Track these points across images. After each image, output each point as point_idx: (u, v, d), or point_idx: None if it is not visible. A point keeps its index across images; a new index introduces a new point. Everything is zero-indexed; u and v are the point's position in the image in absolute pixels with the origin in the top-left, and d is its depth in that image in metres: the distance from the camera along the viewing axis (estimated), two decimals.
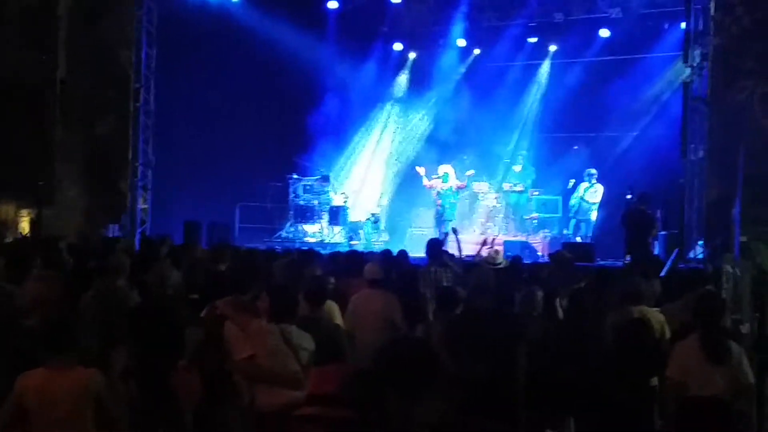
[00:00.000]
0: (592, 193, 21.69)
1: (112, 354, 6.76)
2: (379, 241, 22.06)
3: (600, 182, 21.79)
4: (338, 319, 9.07)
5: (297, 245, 18.98)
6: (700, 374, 7.32)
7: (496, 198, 23.16)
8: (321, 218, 22.84)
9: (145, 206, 20.76)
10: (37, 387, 5.91)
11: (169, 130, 20.94)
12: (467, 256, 14.04)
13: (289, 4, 22.64)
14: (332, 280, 9.87)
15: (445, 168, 21.84)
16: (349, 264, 11.50)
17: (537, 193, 22.90)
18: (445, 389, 3.86)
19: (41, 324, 6.57)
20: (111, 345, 6.97)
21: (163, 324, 6.65)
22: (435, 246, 12.61)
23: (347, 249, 17.23)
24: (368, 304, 9.43)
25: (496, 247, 14.45)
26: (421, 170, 22.02)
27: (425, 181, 21.85)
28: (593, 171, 21.84)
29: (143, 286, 8.77)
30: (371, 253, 14.67)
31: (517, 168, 23.23)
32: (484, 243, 14.52)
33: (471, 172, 21.91)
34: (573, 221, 22.10)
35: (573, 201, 22.01)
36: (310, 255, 12.43)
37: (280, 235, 22.22)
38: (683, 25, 18.96)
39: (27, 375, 5.97)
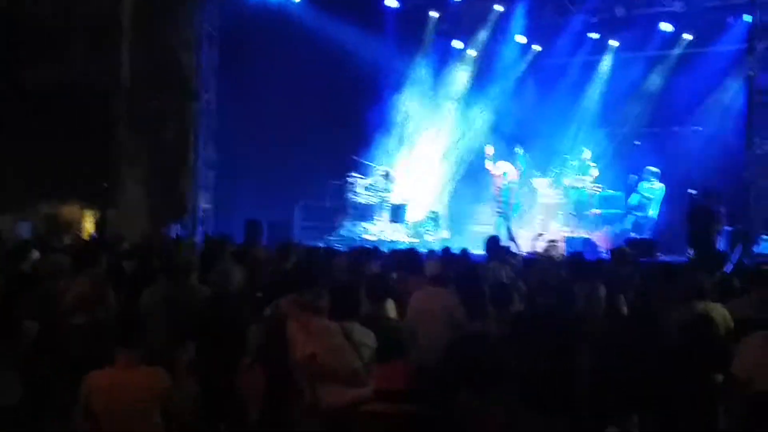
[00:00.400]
0: (651, 191, 21.51)
1: (179, 350, 6.83)
2: (438, 239, 22.04)
3: (663, 178, 21.58)
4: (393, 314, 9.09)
5: (357, 243, 19.02)
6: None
7: (557, 194, 23.02)
8: (381, 216, 22.87)
9: (207, 206, 20.96)
10: (103, 387, 5.97)
11: (229, 131, 21.12)
12: (528, 253, 13.97)
13: (348, 3, 22.70)
14: (394, 276, 9.86)
15: (504, 165, 21.77)
16: (408, 261, 11.48)
17: (598, 188, 22.71)
18: (510, 385, 3.88)
19: (88, 323, 6.67)
20: (180, 342, 7.04)
21: (226, 322, 6.70)
22: (494, 243, 12.57)
23: (407, 246, 17.22)
24: (429, 302, 9.40)
25: (552, 243, 14.36)
26: (489, 150, 22.05)
27: (489, 164, 21.84)
28: (655, 169, 21.65)
29: (207, 285, 8.84)
30: (431, 251, 14.65)
31: (578, 164, 23.04)
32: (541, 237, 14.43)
33: (519, 150, 21.97)
34: (632, 218, 21.92)
35: (633, 198, 21.85)
36: (370, 252, 12.45)
37: (340, 233, 22.27)
38: (747, 17, 18.67)
39: (93, 375, 6.03)
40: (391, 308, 9.01)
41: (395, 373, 5.56)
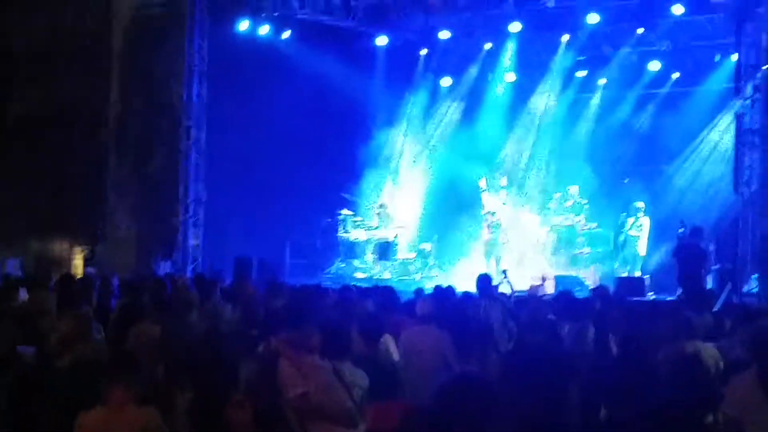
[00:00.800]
0: (638, 227, 21.60)
1: (176, 388, 6.81)
2: (427, 276, 22.04)
3: (652, 216, 21.68)
4: (394, 352, 9.09)
5: (347, 281, 19.01)
6: (758, 411, 7.18)
7: (546, 232, 23.08)
8: (370, 253, 22.88)
9: (197, 242, 20.93)
10: (95, 426, 5.94)
11: (219, 166, 21.13)
12: (519, 292, 13.99)
13: (337, 40, 22.85)
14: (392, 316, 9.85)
15: (492, 202, 21.88)
16: (387, 300, 11.48)
17: (588, 227, 22.75)
18: (503, 425, 3.88)
19: (72, 363, 6.64)
20: (178, 380, 7.03)
21: (218, 359, 6.69)
22: (485, 281, 12.59)
23: (393, 285, 17.23)
24: (420, 341, 9.41)
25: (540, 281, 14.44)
26: (483, 183, 22.22)
27: (485, 197, 21.98)
28: (640, 205, 21.76)
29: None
30: (419, 290, 14.65)
31: (568, 203, 23.10)
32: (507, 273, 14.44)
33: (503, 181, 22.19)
34: (621, 255, 21.99)
35: (621, 236, 21.92)
36: (362, 291, 12.49)
37: (330, 271, 22.26)
38: (734, 57, 18.85)
39: (86, 414, 5.99)
40: (390, 344, 9.04)
41: (388, 413, 5.57)
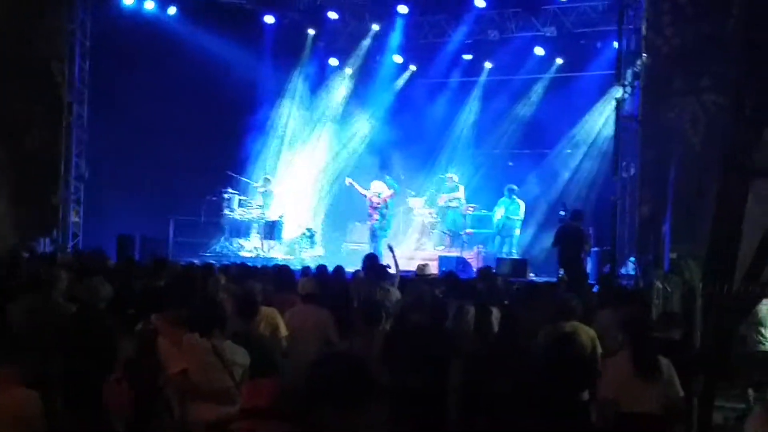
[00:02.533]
0: (513, 210, 21.96)
1: (46, 366, 6.67)
2: (314, 256, 22.03)
3: (536, 199, 22.06)
4: (281, 325, 9.08)
5: (232, 260, 18.88)
6: (632, 390, 7.41)
7: (430, 213, 23.28)
8: (256, 233, 22.76)
9: (77, 220, 20.51)
10: None
11: (102, 143, 20.70)
12: (403, 271, 14.07)
13: (225, 17, 22.57)
14: (259, 287, 9.79)
15: (377, 184, 21.96)
16: (281, 279, 11.50)
17: (472, 208, 23.02)
18: (380, 402, 3.90)
19: None
20: (47, 358, 6.88)
21: (93, 336, 6.58)
22: (371, 260, 12.66)
23: (280, 263, 17.16)
24: (303, 320, 9.44)
25: (425, 261, 14.55)
26: (349, 181, 22.35)
27: (361, 190, 22.05)
28: (514, 187, 22.13)
29: (75, 301, 8.68)
30: (306, 268, 14.65)
31: (452, 184, 23.32)
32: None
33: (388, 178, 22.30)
34: (498, 238, 22.33)
35: (502, 218, 22.24)
36: (247, 269, 12.44)
37: (215, 249, 22.06)
38: (616, 44, 19.23)
39: None
40: (276, 317, 9.05)
41: (261, 390, 5.55)
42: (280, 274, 11.93)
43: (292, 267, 13.70)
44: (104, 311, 7.98)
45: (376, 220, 21.67)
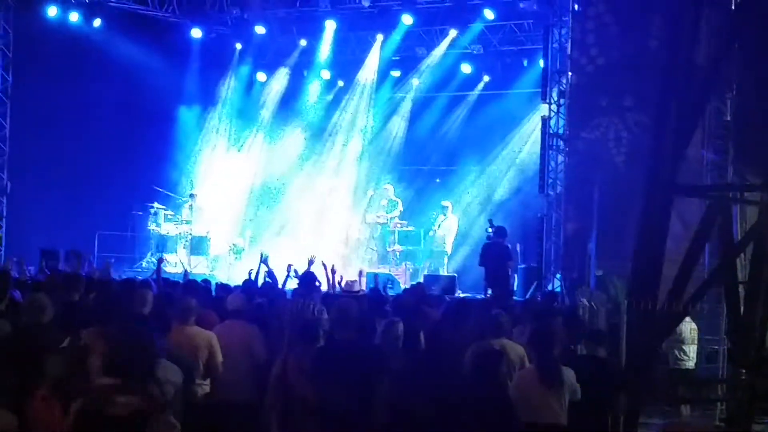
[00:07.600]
0: (446, 226, 22.01)
1: None
2: (242, 272, 21.84)
3: (462, 215, 22.15)
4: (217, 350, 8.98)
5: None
6: (535, 397, 7.92)
7: (359, 229, 23.25)
8: (183, 248, 22.53)
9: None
10: None
11: (26, 157, 20.42)
12: (330, 287, 14.00)
13: (151, 31, 22.42)
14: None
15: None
16: (206, 295, 11.42)
17: (400, 225, 23.00)
18: (308, 419, 3.88)
19: None
20: None
21: (16, 351, 6.45)
22: (306, 276, 12.58)
23: (206, 280, 16.99)
24: (230, 335, 9.35)
25: (354, 278, 14.51)
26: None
27: None
28: (447, 203, 22.19)
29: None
30: (222, 285, 14.46)
31: (383, 201, 23.30)
32: (333, 271, 14.42)
33: None
34: (429, 253, 22.37)
35: (430, 233, 22.30)
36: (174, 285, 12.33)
37: (140, 265, 21.80)
38: (542, 63, 19.47)
39: None
40: (213, 341, 8.95)
41: None
42: (206, 290, 11.83)
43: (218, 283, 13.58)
44: (27, 328, 7.82)
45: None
